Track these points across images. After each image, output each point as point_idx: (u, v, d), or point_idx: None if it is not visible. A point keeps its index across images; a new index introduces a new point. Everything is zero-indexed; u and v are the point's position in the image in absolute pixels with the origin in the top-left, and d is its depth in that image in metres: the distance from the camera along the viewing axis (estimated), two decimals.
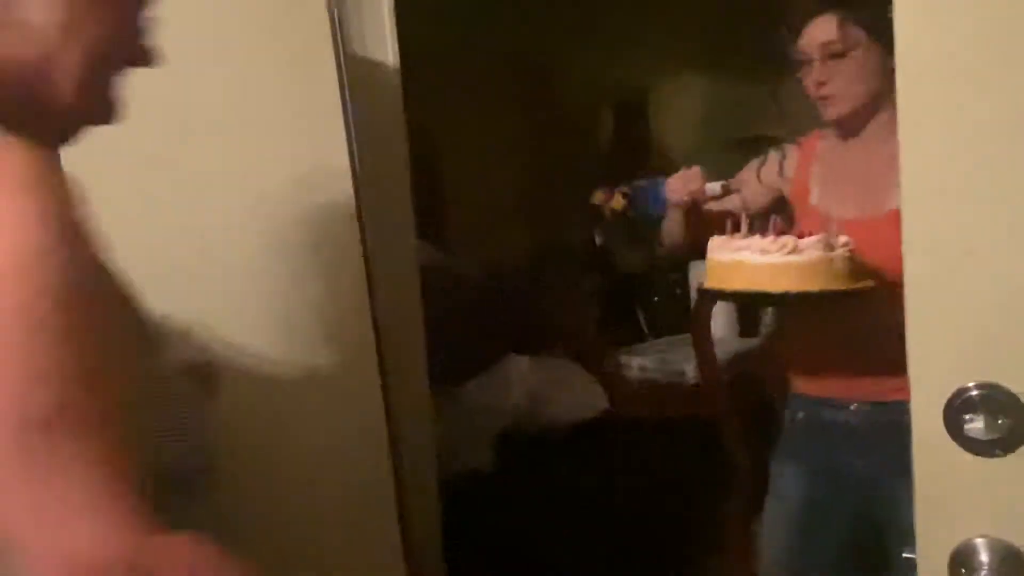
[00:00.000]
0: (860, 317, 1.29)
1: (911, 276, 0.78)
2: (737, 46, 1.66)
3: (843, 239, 1.28)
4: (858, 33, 1.34)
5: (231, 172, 1.30)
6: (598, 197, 1.76)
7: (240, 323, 1.28)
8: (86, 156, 0.68)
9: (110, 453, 0.50)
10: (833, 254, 1.25)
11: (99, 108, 0.64)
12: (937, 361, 0.77)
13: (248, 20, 1.30)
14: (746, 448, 1.67)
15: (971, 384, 0.74)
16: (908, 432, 0.79)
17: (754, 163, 1.57)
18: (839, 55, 1.34)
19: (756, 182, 1.53)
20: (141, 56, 0.66)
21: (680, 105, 2.87)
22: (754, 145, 1.69)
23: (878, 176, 1.34)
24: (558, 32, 2.50)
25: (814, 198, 1.45)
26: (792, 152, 1.52)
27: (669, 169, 1.65)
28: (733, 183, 1.52)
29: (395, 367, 1.47)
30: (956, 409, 0.75)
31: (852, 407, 1.43)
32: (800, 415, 1.50)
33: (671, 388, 2.10)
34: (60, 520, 0.48)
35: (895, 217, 1.34)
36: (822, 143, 1.49)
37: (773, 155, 1.55)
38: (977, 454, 0.75)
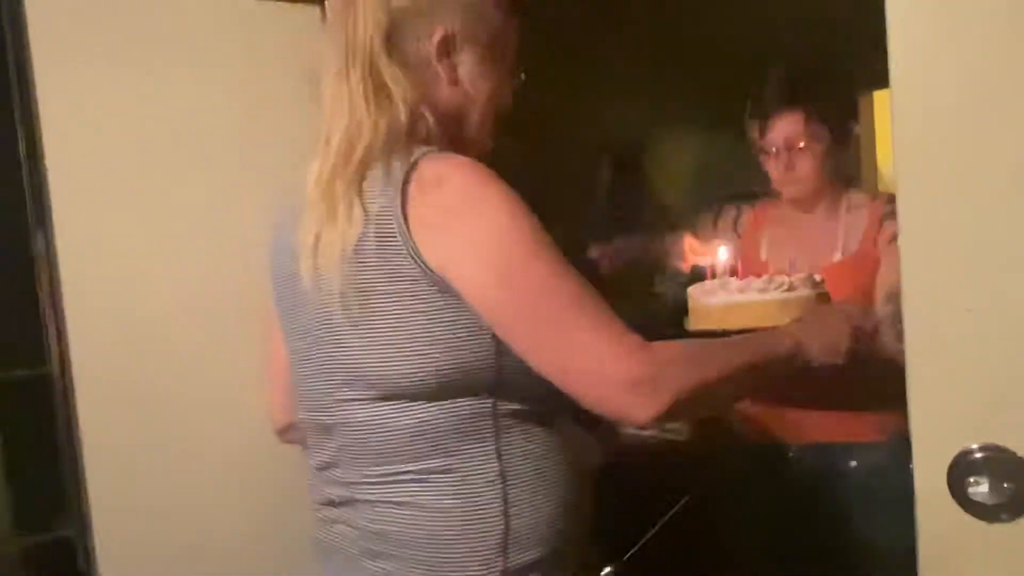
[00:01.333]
0: None
1: (911, 334, 0.77)
2: (732, 104, 1.70)
3: (818, 277, 1.35)
4: (820, 129, 1.50)
5: (235, 211, 1.31)
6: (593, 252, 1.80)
7: (231, 360, 1.28)
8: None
9: (604, 313, 0.84)
10: (820, 290, 1.32)
11: (486, 140, 0.99)
12: (939, 421, 0.76)
13: (256, 71, 1.32)
14: (748, 515, 1.64)
15: (975, 446, 0.73)
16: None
17: (709, 214, 1.72)
18: (801, 148, 1.51)
19: (711, 229, 1.68)
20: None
21: (675, 160, 2.91)
22: (747, 200, 1.72)
23: (825, 243, 1.52)
24: (555, 85, 2.54)
25: (763, 254, 1.60)
26: (747, 211, 1.68)
27: (664, 223, 1.68)
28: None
29: None
30: (960, 471, 0.74)
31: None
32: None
33: (665, 446, 2.08)
34: (594, 356, 0.82)
35: (844, 264, 1.43)
36: (774, 211, 1.64)
37: (729, 209, 1.69)
38: (982, 518, 0.73)
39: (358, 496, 0.92)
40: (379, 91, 0.89)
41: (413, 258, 0.84)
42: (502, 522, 0.88)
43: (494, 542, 0.88)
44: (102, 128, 1.18)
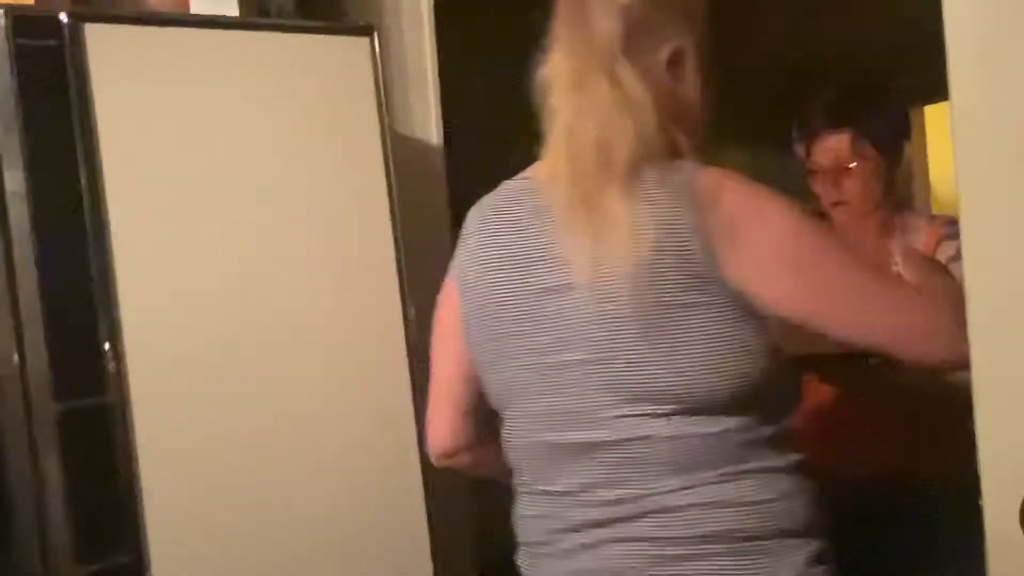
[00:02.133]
0: None
1: (979, 365, 0.74)
2: (778, 122, 1.68)
3: None
4: (869, 148, 1.46)
5: (282, 238, 1.33)
6: None
7: (284, 388, 1.29)
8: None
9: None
10: None
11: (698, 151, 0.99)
12: (1010, 460, 0.72)
13: (303, 101, 1.34)
14: None
15: None
16: None
17: None
18: (849, 169, 1.47)
19: None
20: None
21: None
22: None
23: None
24: None
25: None
26: None
27: None
28: None
29: None
30: None
31: None
32: None
33: None
34: (917, 310, 0.90)
35: None
36: None
37: None
38: None
39: (648, 508, 0.90)
40: (626, 99, 0.90)
41: (709, 268, 0.86)
42: (802, 513, 0.91)
43: (800, 530, 0.91)
44: (162, 157, 1.21)
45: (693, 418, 0.88)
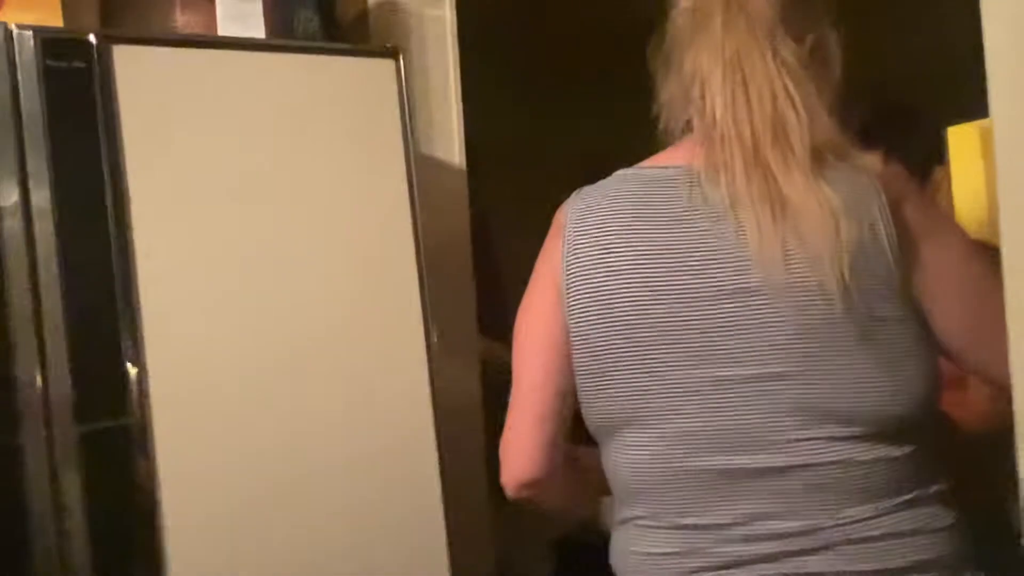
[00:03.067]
0: None
1: (1019, 395, 0.71)
2: None
3: None
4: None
5: (306, 260, 1.32)
6: None
7: (307, 411, 1.27)
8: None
9: None
10: None
11: None
12: None
13: (329, 123, 1.34)
14: None
15: None
16: None
17: None
18: None
19: None
20: None
21: None
22: None
23: None
24: (622, 134, 2.52)
25: None
26: None
27: None
28: None
29: (454, 467, 1.44)
30: None
31: None
32: None
33: None
34: None
35: None
36: None
37: None
38: None
39: (835, 539, 0.80)
40: (796, 81, 0.83)
41: (898, 278, 0.80)
42: (969, 536, 0.87)
43: (971, 552, 0.86)
44: (189, 178, 1.21)
45: (884, 440, 0.80)
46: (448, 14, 1.71)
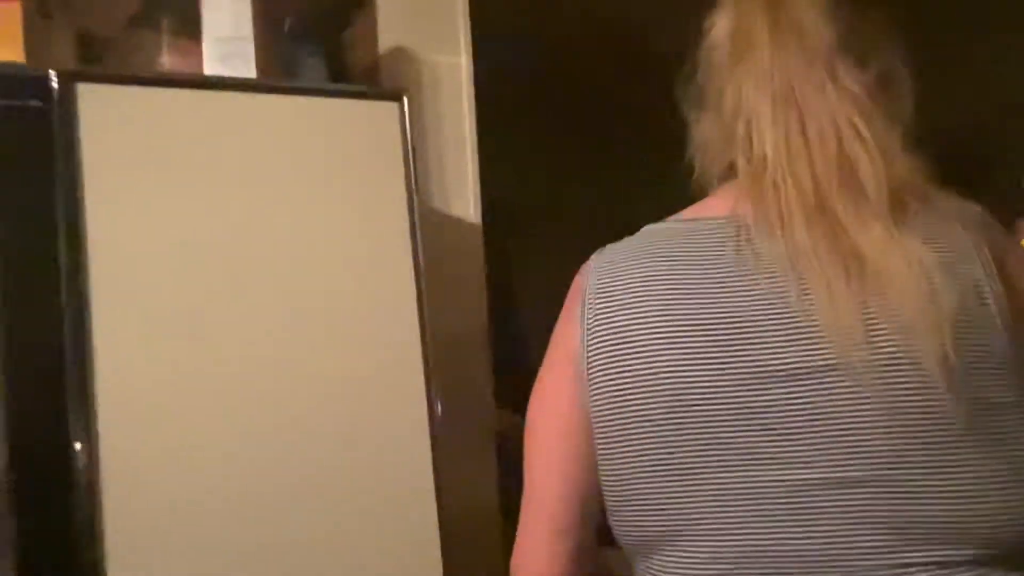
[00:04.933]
0: None
1: None
2: None
3: None
4: None
5: (294, 325, 1.17)
6: None
7: (297, 498, 1.11)
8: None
9: None
10: None
11: None
12: None
13: (324, 170, 1.21)
14: None
15: None
16: None
17: None
18: None
19: None
20: None
21: None
22: None
23: None
24: (637, 188, 2.43)
25: None
26: None
27: None
28: None
29: (466, 546, 1.26)
30: None
31: None
32: None
33: None
34: None
35: None
36: None
37: None
38: None
39: None
40: (863, 111, 0.68)
41: (1011, 353, 0.63)
42: None
43: None
44: (159, 230, 1.07)
45: (1003, 566, 0.61)
46: (464, 61, 1.59)
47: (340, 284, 1.20)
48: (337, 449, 1.17)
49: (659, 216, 0.80)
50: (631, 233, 0.79)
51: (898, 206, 0.65)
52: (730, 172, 0.74)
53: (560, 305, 0.81)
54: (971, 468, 0.61)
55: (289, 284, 1.16)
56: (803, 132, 0.67)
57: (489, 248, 1.60)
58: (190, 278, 1.07)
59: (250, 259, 1.13)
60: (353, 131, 1.23)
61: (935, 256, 0.63)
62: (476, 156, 1.61)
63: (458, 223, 1.57)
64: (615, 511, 0.71)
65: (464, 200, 1.60)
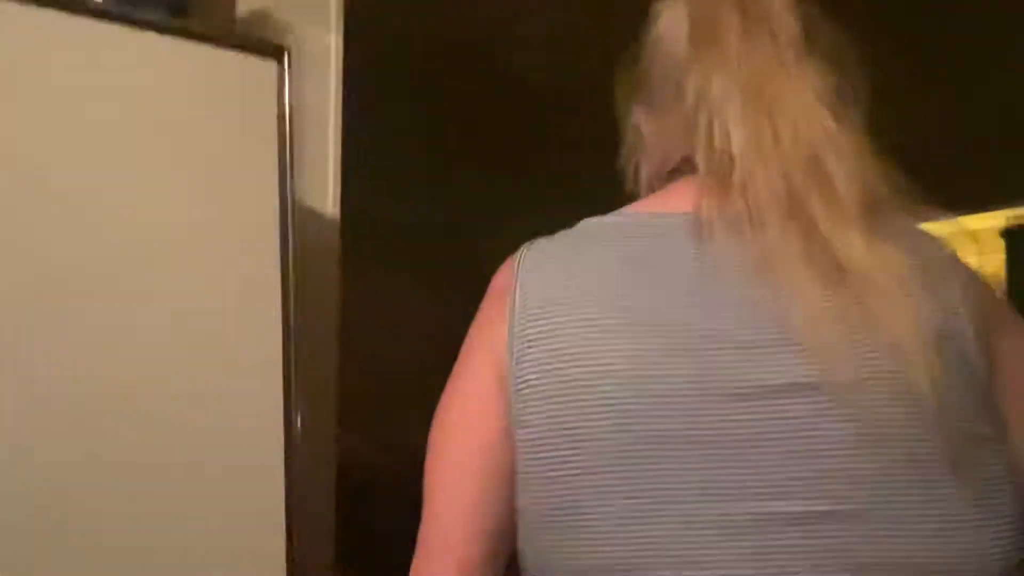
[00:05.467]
0: None
1: None
2: None
3: None
4: None
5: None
6: None
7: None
8: None
9: None
10: None
11: None
12: None
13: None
14: None
15: None
16: None
17: None
18: None
19: None
20: None
21: None
22: None
23: None
24: (487, 202, 2.39)
25: None
26: None
27: None
28: None
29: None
30: None
31: None
32: None
33: None
34: None
35: None
36: None
37: None
38: None
39: None
40: (835, 112, 0.62)
41: (987, 384, 0.57)
42: None
43: None
44: None
45: None
46: (334, 39, 1.43)
47: (189, 281, 0.99)
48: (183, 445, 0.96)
49: (533, 224, 0.71)
50: (510, 245, 0.67)
51: (873, 214, 0.60)
52: (681, 170, 0.68)
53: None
54: (949, 502, 0.55)
55: (116, 263, 0.93)
56: (773, 128, 0.61)
57: (346, 253, 1.44)
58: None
59: (69, 225, 0.90)
60: (216, 87, 1.03)
61: (915, 269, 0.59)
62: (339, 148, 1.44)
63: (316, 218, 1.39)
64: (545, 551, 0.59)
65: (322, 196, 1.43)
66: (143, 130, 0.96)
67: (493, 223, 2.46)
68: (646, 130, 0.72)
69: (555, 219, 0.69)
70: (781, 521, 0.54)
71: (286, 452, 1.06)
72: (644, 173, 0.72)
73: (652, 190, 0.71)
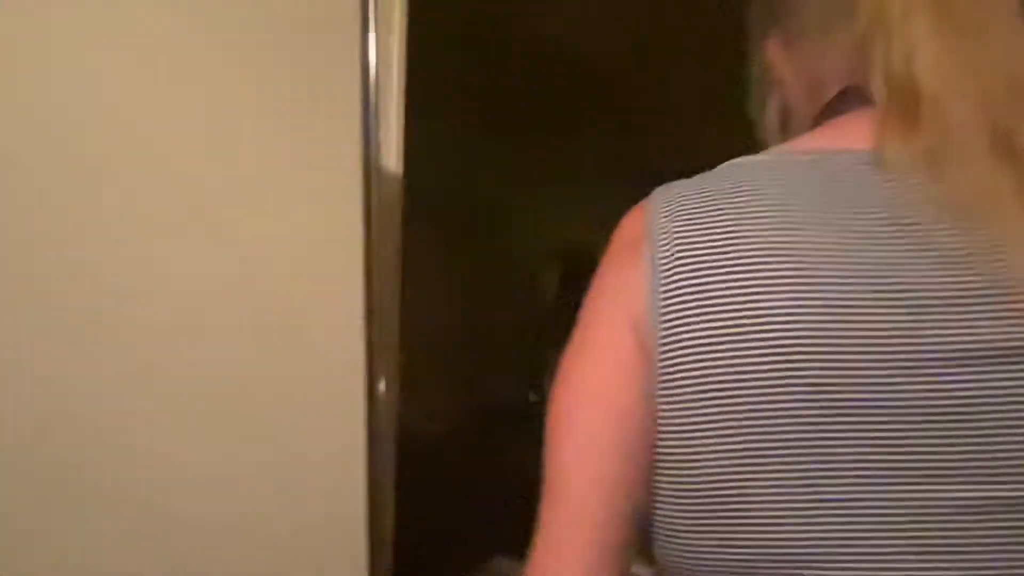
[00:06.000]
0: None
1: None
2: None
3: None
4: None
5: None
6: None
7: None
8: None
9: None
10: None
11: None
12: None
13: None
14: None
15: None
16: None
17: None
18: None
19: None
20: None
21: None
22: None
23: None
24: (508, 184, 2.36)
25: None
26: None
27: None
28: None
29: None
30: None
31: None
32: None
33: None
34: None
35: None
36: None
37: None
38: None
39: None
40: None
41: None
42: None
43: None
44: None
45: None
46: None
47: (266, 249, 0.97)
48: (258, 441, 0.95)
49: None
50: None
51: None
52: (835, 108, 0.59)
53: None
54: None
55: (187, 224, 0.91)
56: (968, 51, 0.53)
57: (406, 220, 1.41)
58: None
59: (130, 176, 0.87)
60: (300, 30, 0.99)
61: None
62: (402, 110, 1.40)
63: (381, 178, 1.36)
64: (697, 539, 0.52)
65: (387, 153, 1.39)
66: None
67: (512, 208, 2.45)
68: (784, 64, 0.64)
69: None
70: (996, 507, 0.47)
71: (368, 420, 1.06)
72: (775, 115, 0.64)
73: (788, 133, 0.63)
